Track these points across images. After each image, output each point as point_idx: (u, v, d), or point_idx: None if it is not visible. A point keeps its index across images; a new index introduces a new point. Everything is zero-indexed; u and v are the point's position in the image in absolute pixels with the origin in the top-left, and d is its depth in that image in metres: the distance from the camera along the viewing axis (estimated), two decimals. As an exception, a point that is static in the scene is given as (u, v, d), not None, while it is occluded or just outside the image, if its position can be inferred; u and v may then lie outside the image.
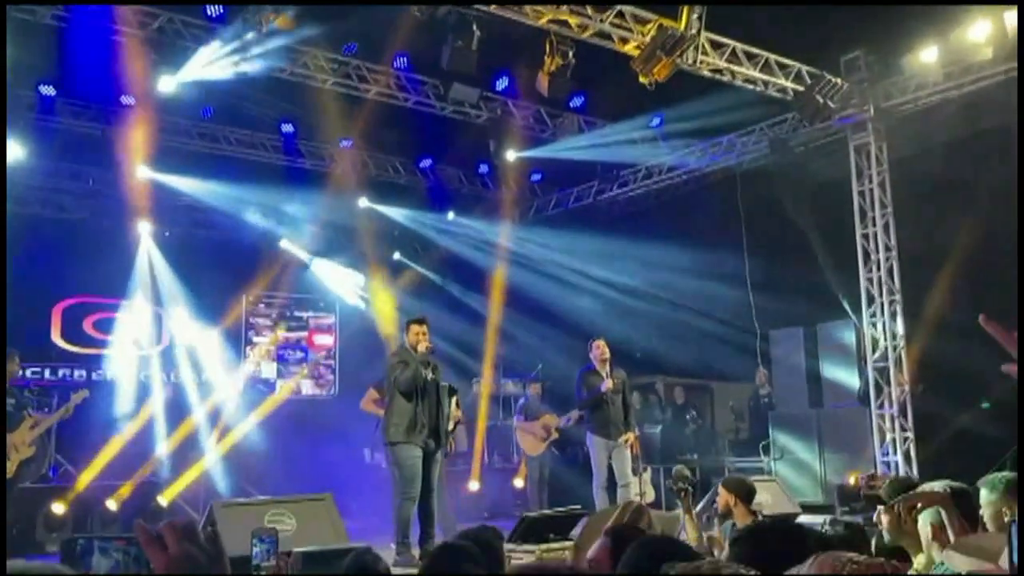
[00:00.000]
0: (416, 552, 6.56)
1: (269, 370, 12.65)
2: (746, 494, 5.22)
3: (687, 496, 5.26)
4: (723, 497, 5.28)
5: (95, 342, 11.38)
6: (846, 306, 9.98)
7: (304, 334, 13.02)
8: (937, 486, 3.40)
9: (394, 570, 5.86)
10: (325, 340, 13.14)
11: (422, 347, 6.85)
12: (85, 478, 8.63)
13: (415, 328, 6.98)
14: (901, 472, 9.22)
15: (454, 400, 7.41)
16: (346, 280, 13.02)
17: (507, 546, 7.15)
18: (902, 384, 9.44)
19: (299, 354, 12.97)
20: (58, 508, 8.30)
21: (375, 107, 10.41)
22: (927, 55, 8.79)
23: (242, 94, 10.42)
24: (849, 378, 10.17)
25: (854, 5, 8.76)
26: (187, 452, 10.13)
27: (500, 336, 12.05)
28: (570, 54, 8.08)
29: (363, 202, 12.27)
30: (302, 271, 12.50)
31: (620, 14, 8.03)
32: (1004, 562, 1.64)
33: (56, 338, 11.23)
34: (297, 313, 13.00)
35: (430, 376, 6.86)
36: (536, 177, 13.34)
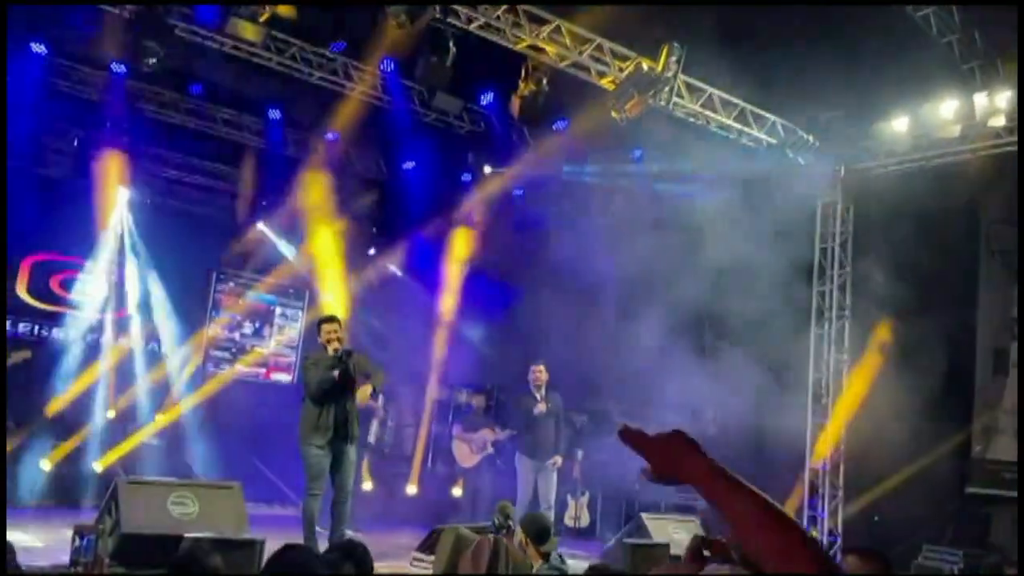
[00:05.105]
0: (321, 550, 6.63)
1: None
2: (536, 535, 4.93)
3: (509, 535, 5.32)
4: (518, 535, 5.07)
5: (60, 300, 11.45)
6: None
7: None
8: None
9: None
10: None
11: (332, 347, 6.85)
12: (16, 438, 8.66)
13: (326, 328, 6.99)
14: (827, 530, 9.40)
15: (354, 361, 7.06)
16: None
17: (415, 554, 7.30)
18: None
19: None
20: (-11, 465, 8.33)
21: (364, 106, 10.56)
22: (899, 124, 8.92)
23: (233, 75, 10.62)
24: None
25: (834, 64, 8.87)
26: (131, 420, 10.21)
27: (459, 345, 12.12)
28: (544, 81, 8.20)
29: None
30: (274, 254, 12.52)
31: (600, 47, 8.16)
32: None
33: (21, 292, 11.30)
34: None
35: (336, 373, 6.76)
36: (518, 192, 13.47)
